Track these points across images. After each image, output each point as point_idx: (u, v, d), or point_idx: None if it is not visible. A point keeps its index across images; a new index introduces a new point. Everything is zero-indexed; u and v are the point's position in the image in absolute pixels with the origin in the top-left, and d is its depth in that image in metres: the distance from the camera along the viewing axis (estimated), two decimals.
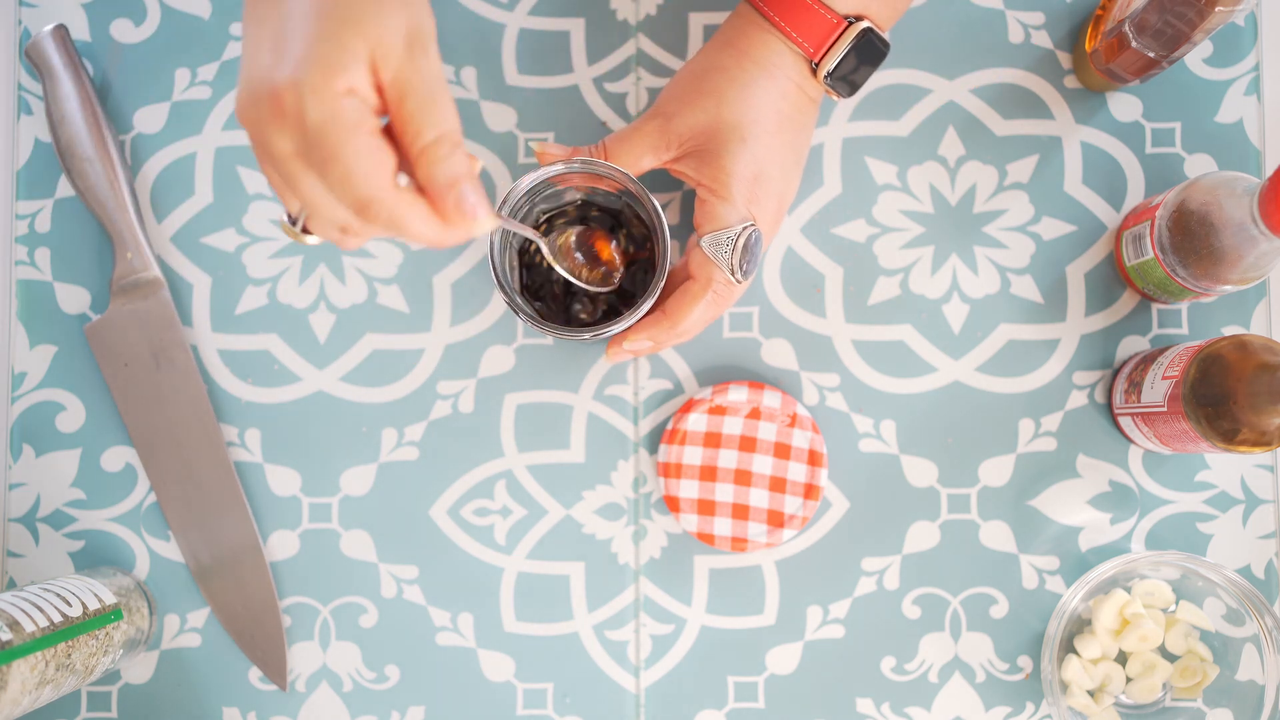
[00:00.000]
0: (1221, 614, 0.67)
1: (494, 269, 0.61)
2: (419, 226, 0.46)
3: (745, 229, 0.62)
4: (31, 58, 0.70)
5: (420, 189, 0.46)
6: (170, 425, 0.70)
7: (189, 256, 0.71)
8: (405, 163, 0.46)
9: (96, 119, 0.69)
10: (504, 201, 0.61)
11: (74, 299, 0.71)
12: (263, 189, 0.71)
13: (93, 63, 0.72)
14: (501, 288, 0.61)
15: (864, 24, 0.61)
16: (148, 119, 0.72)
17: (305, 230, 0.48)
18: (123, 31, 0.72)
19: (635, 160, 0.63)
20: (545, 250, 0.61)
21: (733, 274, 0.62)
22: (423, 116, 0.45)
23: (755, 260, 0.62)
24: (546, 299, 0.67)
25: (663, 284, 0.61)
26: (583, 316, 0.67)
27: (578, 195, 0.66)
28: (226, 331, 0.71)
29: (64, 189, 0.71)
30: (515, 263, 0.67)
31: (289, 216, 0.49)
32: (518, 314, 0.61)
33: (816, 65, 0.62)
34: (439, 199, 0.45)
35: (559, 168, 0.61)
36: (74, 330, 0.71)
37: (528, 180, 0.61)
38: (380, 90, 0.45)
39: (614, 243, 0.65)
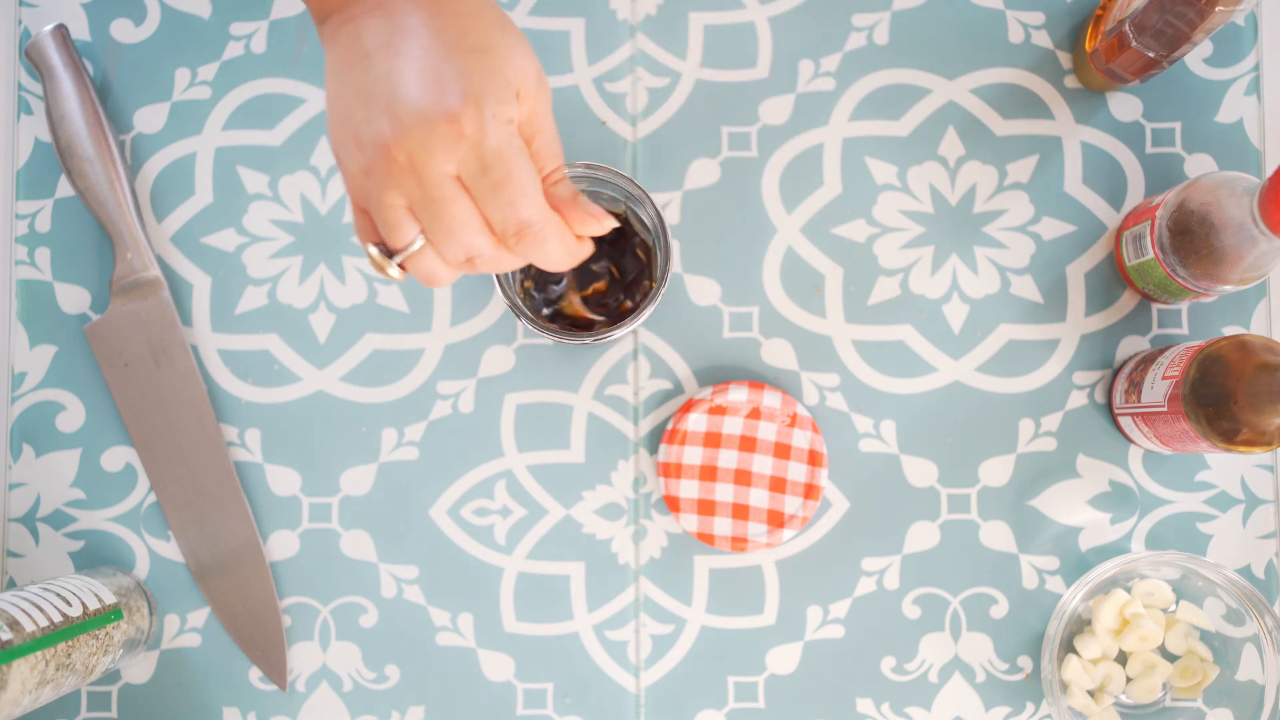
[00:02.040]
0: (1221, 614, 0.67)
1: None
2: (556, 246, 0.50)
3: None
4: (31, 58, 0.70)
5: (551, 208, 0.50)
6: (170, 425, 0.70)
7: (189, 256, 0.71)
8: None
9: (97, 119, 0.69)
10: None
11: (74, 299, 0.71)
12: (263, 189, 0.71)
13: (93, 63, 0.72)
14: (502, 289, 0.61)
15: None
16: (148, 119, 0.72)
17: (400, 265, 0.50)
18: (123, 31, 0.72)
19: None
20: (574, 298, 0.65)
21: None
22: (548, 150, 0.50)
23: None
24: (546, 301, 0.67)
25: (665, 286, 0.61)
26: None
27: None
28: (226, 331, 0.71)
29: (64, 189, 0.71)
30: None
31: (380, 249, 0.49)
32: (518, 316, 0.62)
33: None
34: (569, 209, 0.50)
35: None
36: (74, 330, 0.71)
37: None
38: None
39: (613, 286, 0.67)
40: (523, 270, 0.66)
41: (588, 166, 0.61)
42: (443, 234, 0.48)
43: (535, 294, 0.66)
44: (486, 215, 0.48)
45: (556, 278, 0.66)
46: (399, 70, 0.46)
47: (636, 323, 0.62)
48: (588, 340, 0.62)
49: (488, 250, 0.49)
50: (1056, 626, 0.66)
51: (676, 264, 0.71)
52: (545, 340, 0.71)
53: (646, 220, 0.64)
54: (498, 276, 0.61)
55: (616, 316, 0.66)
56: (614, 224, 0.51)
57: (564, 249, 0.51)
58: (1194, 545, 0.69)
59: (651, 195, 0.61)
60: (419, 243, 0.49)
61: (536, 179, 0.48)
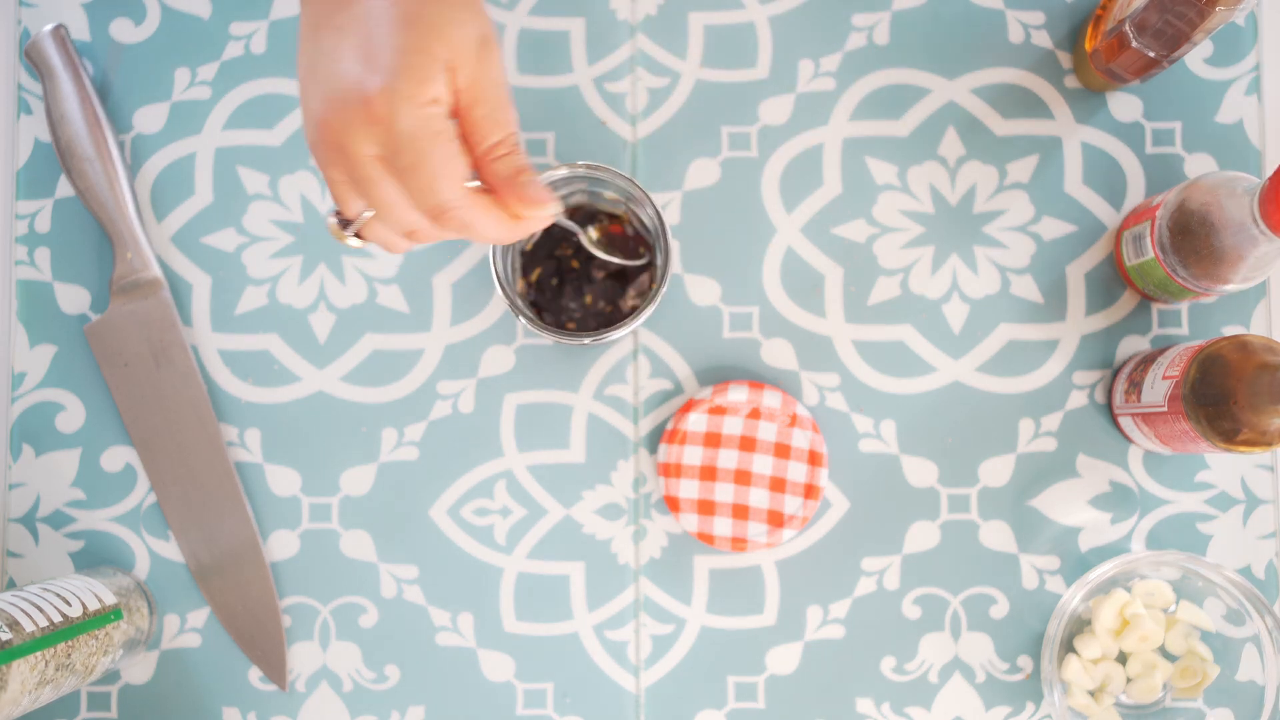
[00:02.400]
0: (1221, 614, 0.67)
1: (494, 270, 0.61)
2: (488, 226, 0.48)
3: None
4: (31, 58, 0.70)
5: (488, 187, 0.49)
6: (170, 425, 0.70)
7: (189, 256, 0.71)
8: (472, 161, 0.49)
9: (96, 119, 0.69)
10: None
11: (74, 299, 0.71)
12: (262, 189, 0.71)
13: (93, 63, 0.72)
14: (502, 289, 0.61)
15: None
16: (148, 119, 0.72)
17: (357, 234, 0.50)
18: (123, 31, 0.72)
19: None
20: (585, 240, 0.64)
21: None
22: (491, 120, 0.48)
23: None
24: (547, 302, 0.67)
25: (665, 286, 0.61)
26: (575, 321, 0.67)
27: (582, 198, 0.66)
28: (226, 331, 0.71)
29: (64, 189, 0.71)
30: (517, 263, 0.67)
31: (338, 219, 0.50)
32: (518, 316, 0.62)
33: None
34: (507, 190, 0.48)
35: (563, 172, 0.61)
36: (74, 330, 0.71)
37: None
38: (455, 94, 0.47)
39: (627, 227, 0.67)
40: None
41: (588, 167, 0.61)
42: (377, 211, 0.48)
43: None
44: (410, 195, 0.47)
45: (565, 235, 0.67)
46: (335, 47, 0.46)
47: (636, 323, 0.62)
48: (587, 340, 0.62)
49: (424, 225, 0.48)
50: (1056, 626, 0.66)
51: (676, 264, 0.71)
52: (545, 340, 0.71)
53: (646, 220, 0.64)
54: (497, 278, 0.61)
55: (633, 256, 0.66)
56: (555, 214, 0.49)
57: (498, 227, 0.49)
58: (1194, 545, 0.69)
59: (651, 195, 0.61)
60: (369, 213, 0.49)
61: (454, 160, 0.47)
